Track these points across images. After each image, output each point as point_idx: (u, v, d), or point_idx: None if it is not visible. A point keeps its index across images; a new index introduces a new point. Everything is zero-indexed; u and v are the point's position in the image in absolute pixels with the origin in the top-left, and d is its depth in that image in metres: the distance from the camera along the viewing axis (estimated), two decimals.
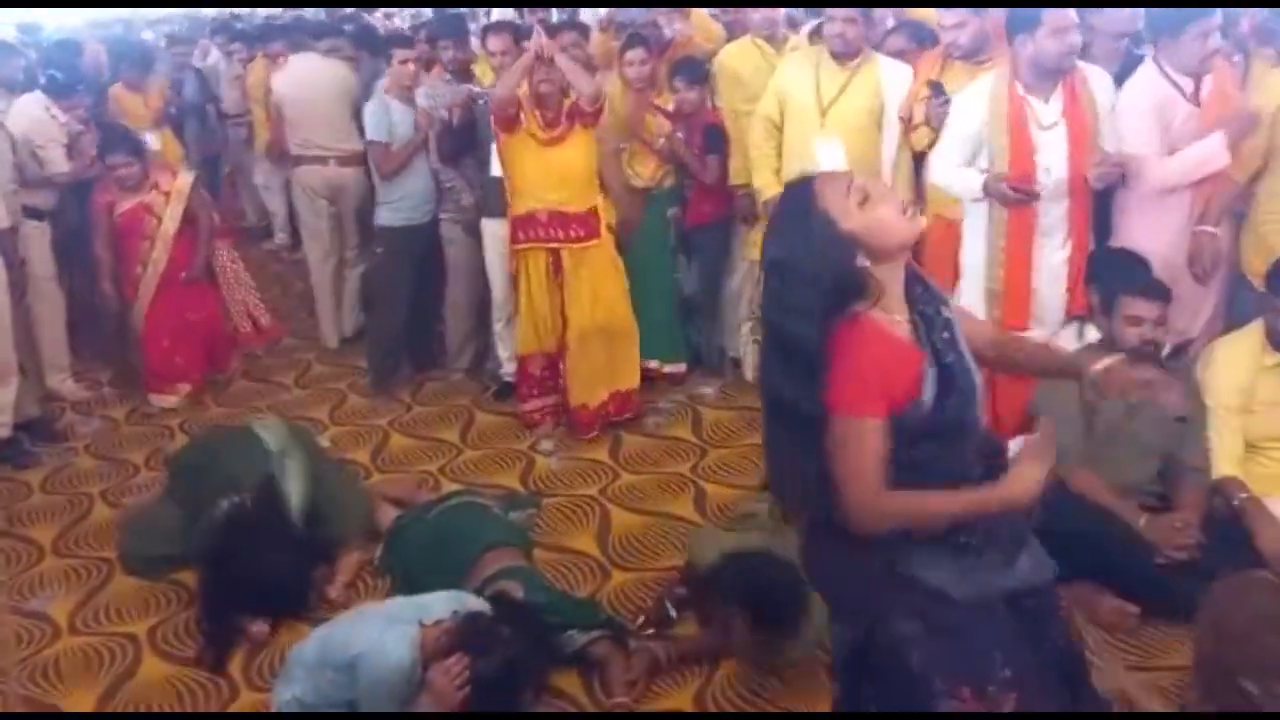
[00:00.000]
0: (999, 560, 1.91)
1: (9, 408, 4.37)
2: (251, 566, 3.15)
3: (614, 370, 4.39)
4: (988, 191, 3.45)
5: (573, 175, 4.17)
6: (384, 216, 4.87)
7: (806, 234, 1.81)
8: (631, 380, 4.45)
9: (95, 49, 7.25)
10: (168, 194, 4.82)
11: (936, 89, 3.84)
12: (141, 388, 4.99)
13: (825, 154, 3.98)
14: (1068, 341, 3.50)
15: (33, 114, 4.94)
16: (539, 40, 4.03)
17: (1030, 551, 1.98)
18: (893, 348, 1.84)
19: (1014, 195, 3.40)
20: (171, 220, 4.81)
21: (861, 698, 1.99)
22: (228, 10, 10.21)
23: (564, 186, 4.16)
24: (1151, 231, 3.53)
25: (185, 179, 4.94)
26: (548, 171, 4.14)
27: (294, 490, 3.46)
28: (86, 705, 2.96)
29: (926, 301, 1.92)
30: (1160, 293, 3.14)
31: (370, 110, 4.74)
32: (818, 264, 1.79)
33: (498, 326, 4.73)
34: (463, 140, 4.61)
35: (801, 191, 1.86)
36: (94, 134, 5.07)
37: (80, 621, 3.35)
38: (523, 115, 4.12)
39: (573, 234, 4.21)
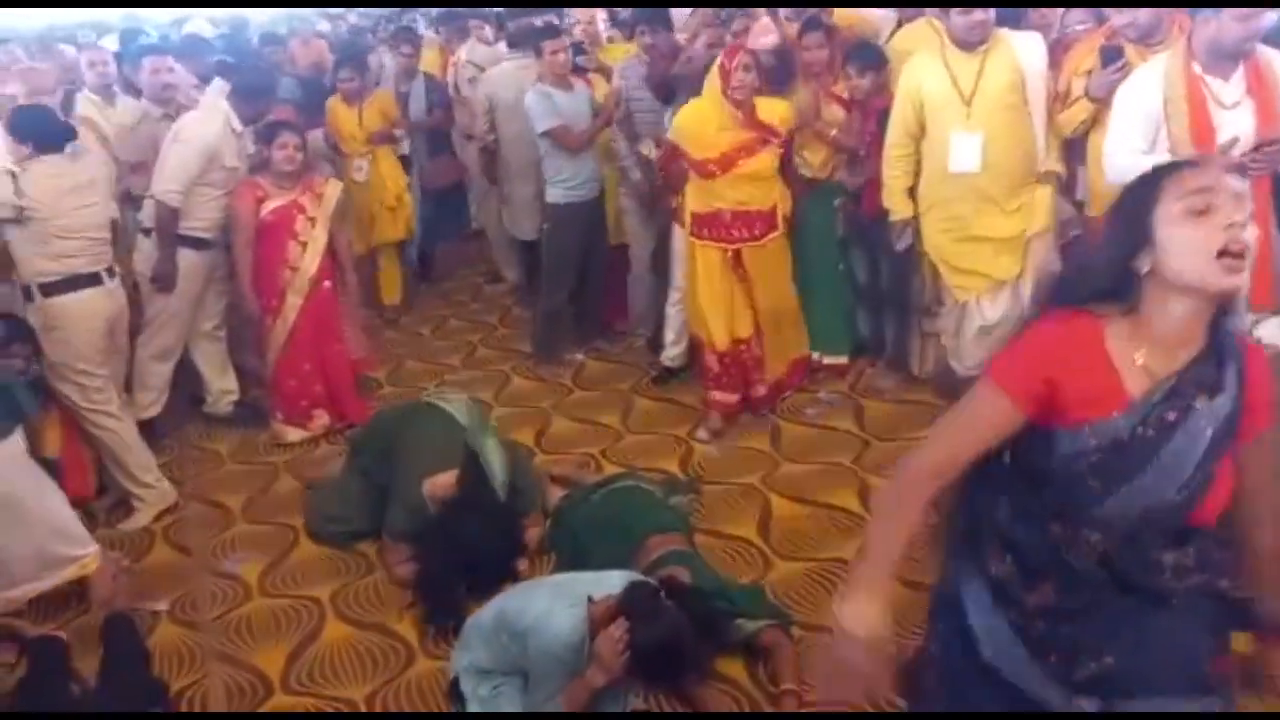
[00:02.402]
0: None
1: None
2: (471, 542, 3.25)
3: (783, 348, 4.47)
4: None
5: (762, 174, 4.12)
6: (552, 194, 4.99)
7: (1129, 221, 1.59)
8: (802, 349, 4.59)
9: (318, 45, 6.85)
10: (320, 195, 4.48)
11: (1110, 55, 3.62)
12: (266, 417, 4.64)
13: (962, 149, 3.87)
14: (1272, 334, 3.30)
15: (213, 132, 4.38)
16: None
17: None
18: (1093, 361, 1.56)
19: (1256, 166, 3.20)
20: (324, 219, 4.46)
21: None
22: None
23: (752, 185, 4.13)
24: None
25: (335, 183, 4.63)
26: (738, 172, 4.09)
27: (495, 464, 3.47)
28: (276, 663, 3.13)
29: (1189, 382, 1.58)
30: None
31: (533, 101, 4.85)
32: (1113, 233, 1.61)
33: (671, 309, 4.73)
34: (670, 89, 4.64)
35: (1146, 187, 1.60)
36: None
37: (269, 584, 3.54)
38: None
39: (756, 232, 4.19)
